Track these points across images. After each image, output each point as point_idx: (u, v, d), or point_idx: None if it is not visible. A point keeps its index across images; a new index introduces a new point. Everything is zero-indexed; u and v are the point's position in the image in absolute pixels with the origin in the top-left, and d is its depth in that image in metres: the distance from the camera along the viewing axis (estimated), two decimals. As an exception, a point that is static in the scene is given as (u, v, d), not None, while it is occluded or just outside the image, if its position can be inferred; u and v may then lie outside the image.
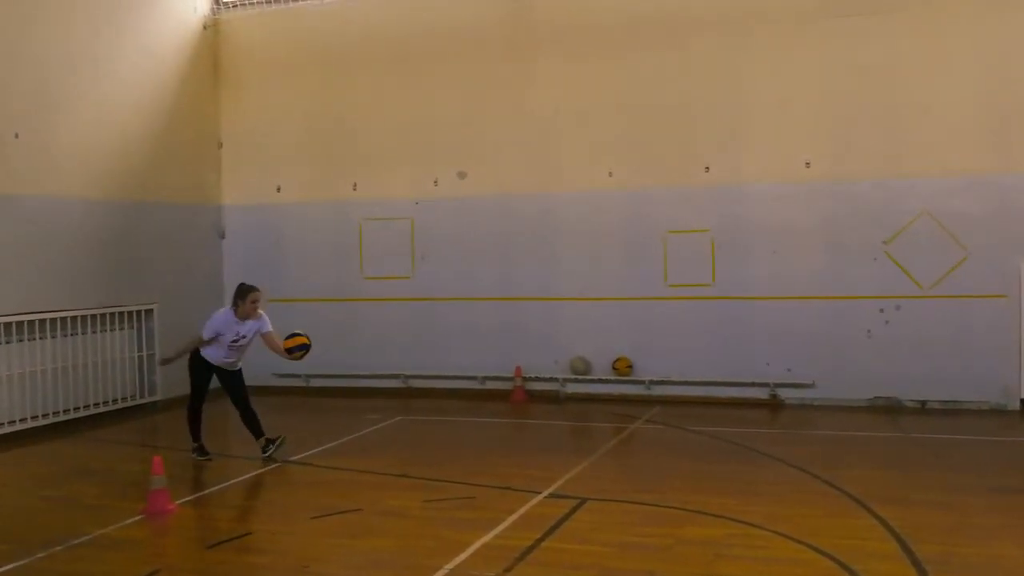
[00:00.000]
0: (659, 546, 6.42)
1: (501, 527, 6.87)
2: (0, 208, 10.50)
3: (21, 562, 6.35)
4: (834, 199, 11.55)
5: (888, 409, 11.33)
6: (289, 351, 9.09)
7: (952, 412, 11.11)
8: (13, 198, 10.66)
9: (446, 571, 5.98)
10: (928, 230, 11.23)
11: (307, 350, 9.16)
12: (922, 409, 11.29)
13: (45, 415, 11.01)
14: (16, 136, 10.67)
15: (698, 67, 12.00)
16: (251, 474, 8.85)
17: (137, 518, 7.32)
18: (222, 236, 14.04)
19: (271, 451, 9.16)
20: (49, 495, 8.29)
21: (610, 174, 12.32)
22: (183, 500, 7.81)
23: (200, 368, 9.24)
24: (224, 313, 9.18)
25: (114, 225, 12.06)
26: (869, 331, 11.45)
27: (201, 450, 9.28)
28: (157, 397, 12.56)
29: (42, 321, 10.97)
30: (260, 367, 13.41)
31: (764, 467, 8.73)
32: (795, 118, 11.68)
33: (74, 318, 11.39)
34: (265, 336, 9.18)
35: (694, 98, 12.00)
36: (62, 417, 11.20)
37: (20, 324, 10.69)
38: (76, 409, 11.41)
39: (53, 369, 11.13)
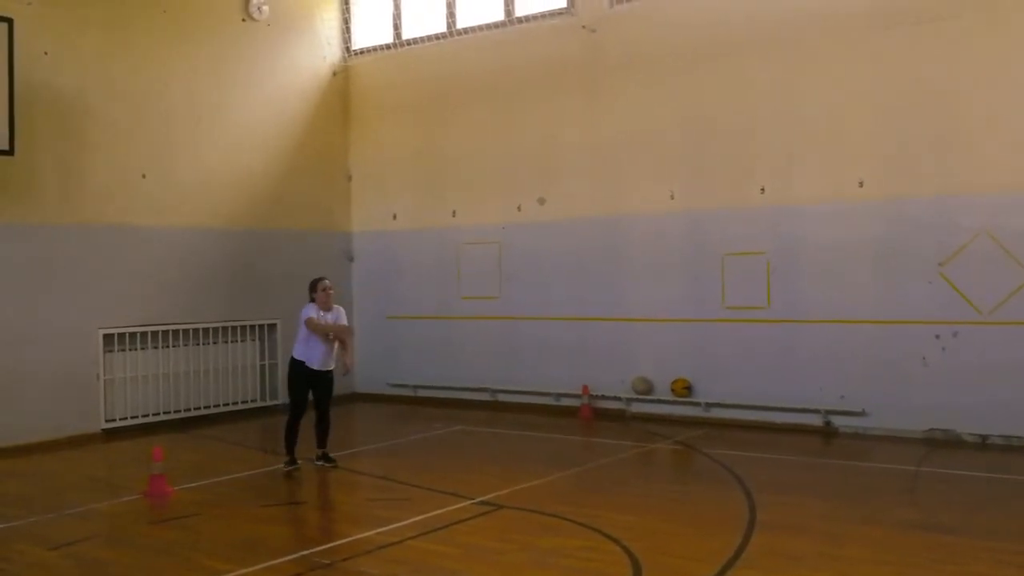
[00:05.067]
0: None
1: (398, 524, 7.56)
2: (127, 236, 12.57)
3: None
4: (888, 219, 10.98)
5: (946, 443, 10.59)
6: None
7: (1016, 449, 10.20)
8: (141, 228, 12.72)
9: (300, 555, 6.85)
10: (987, 250, 10.41)
11: None
12: (982, 444, 10.45)
13: (177, 411, 13.10)
14: (143, 176, 12.78)
15: (752, 87, 11.88)
16: (269, 468, 10.10)
17: (134, 497, 8.81)
18: (350, 259, 15.64)
19: (320, 464, 9.93)
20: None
21: (671, 196, 12.47)
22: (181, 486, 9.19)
23: (302, 380, 9.77)
24: (309, 306, 9.88)
25: (242, 249, 13.91)
26: (924, 358, 10.76)
27: (292, 462, 9.75)
28: (279, 400, 14.24)
29: (175, 332, 13.04)
30: (376, 378, 15.02)
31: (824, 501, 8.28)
32: (847, 135, 11.25)
33: (205, 329, 13.39)
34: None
35: (748, 118, 11.88)
36: (193, 414, 13.21)
37: (155, 333, 12.82)
38: (205, 407, 13.42)
39: (186, 372, 13.18)
